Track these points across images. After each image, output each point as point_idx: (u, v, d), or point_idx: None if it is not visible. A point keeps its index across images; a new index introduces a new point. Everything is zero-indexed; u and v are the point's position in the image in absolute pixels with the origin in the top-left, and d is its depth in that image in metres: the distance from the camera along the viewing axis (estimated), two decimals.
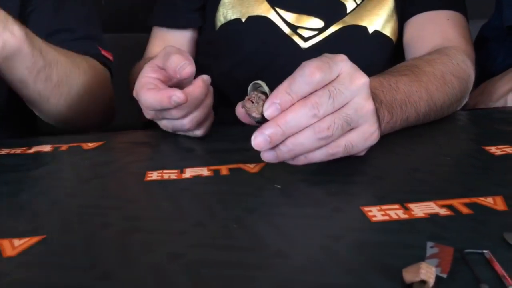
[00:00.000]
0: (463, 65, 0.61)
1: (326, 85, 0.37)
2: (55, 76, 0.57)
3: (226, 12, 0.75)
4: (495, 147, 0.47)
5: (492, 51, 0.85)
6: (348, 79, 0.38)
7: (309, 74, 0.36)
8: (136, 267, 0.29)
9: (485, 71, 0.77)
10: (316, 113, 0.36)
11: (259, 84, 0.39)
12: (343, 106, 0.38)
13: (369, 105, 0.39)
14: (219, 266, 0.28)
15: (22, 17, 0.67)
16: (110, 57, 0.76)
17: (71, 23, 0.72)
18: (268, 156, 0.39)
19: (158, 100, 0.47)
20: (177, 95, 0.46)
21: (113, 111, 0.75)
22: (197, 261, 0.29)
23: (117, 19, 1.16)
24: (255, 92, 0.39)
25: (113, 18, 1.17)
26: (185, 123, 0.50)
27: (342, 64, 0.38)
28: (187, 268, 0.28)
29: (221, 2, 0.75)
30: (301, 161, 0.40)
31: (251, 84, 0.40)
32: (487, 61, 0.82)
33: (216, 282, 0.27)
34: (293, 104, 0.37)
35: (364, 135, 0.40)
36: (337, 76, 0.38)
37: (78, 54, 0.68)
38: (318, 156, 0.39)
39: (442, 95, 0.56)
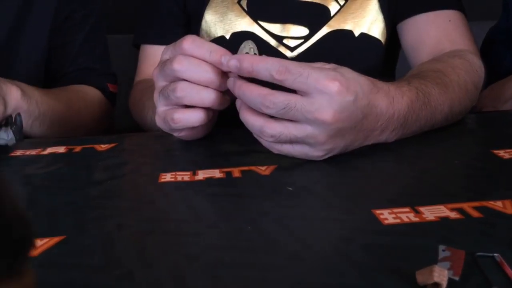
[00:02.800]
0: (480, 71, 0.62)
1: (294, 94, 0.40)
2: (48, 121, 0.66)
3: (209, 30, 0.73)
4: (503, 151, 0.47)
5: (500, 54, 0.85)
6: (314, 108, 0.40)
7: (280, 66, 0.40)
8: (155, 268, 0.29)
9: (493, 73, 0.77)
10: (265, 108, 0.40)
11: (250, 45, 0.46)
12: (295, 122, 0.41)
13: (321, 138, 0.41)
14: (235, 268, 0.29)
15: (48, 49, 0.80)
16: (115, 90, 0.87)
17: (89, 64, 0.83)
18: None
19: (211, 50, 0.44)
20: (230, 60, 0.43)
21: (110, 125, 0.87)
22: (214, 262, 0.30)
23: (122, 19, 1.17)
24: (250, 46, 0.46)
25: (119, 19, 1.18)
26: (176, 115, 0.47)
27: (321, 91, 0.39)
28: (205, 270, 0.29)
29: (203, 19, 0.74)
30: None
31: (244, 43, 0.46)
32: (495, 64, 0.82)
33: (233, 284, 0.28)
34: (253, 80, 0.42)
35: (304, 153, 0.44)
36: (309, 95, 0.40)
37: (79, 90, 0.79)
38: (262, 141, 0.45)
39: (460, 107, 0.56)
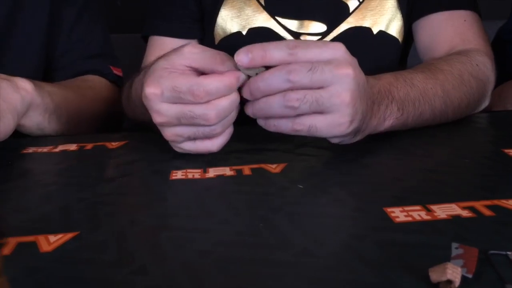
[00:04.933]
0: (482, 66, 0.62)
1: (313, 62, 0.40)
2: (65, 114, 0.63)
3: (225, 25, 0.73)
4: None
5: (510, 53, 0.85)
6: (334, 65, 0.40)
7: (289, 43, 0.40)
8: (169, 263, 0.30)
9: (503, 73, 0.77)
10: (291, 78, 0.39)
11: None
12: (320, 88, 0.40)
13: (345, 97, 0.40)
14: (247, 263, 0.29)
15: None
16: (120, 74, 0.82)
17: (85, 40, 0.78)
18: (247, 110, 0.43)
19: (226, 85, 0.41)
20: (241, 74, 0.41)
21: (121, 118, 0.79)
22: (226, 258, 0.30)
23: (132, 19, 1.17)
24: None
25: (129, 18, 1.19)
26: (215, 145, 0.45)
27: (333, 51, 0.40)
28: (217, 265, 0.29)
29: (219, 15, 0.73)
30: (271, 127, 0.43)
31: None
32: (505, 63, 0.81)
33: (245, 279, 0.28)
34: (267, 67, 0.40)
35: (330, 123, 0.41)
36: (327, 60, 0.40)
37: (84, 80, 0.75)
38: (284, 127, 0.42)
39: (459, 93, 0.56)
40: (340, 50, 0.41)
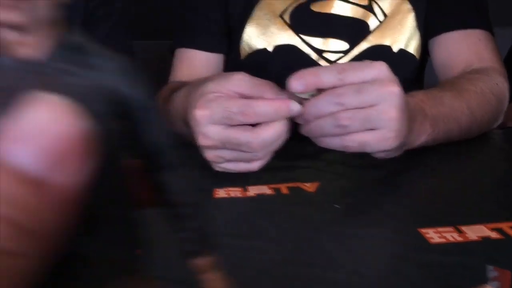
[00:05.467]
0: (501, 85, 0.65)
1: (359, 84, 0.43)
2: None
3: (251, 42, 0.75)
4: None
5: None
6: (379, 84, 0.43)
7: (338, 67, 0.43)
8: (234, 282, 0.33)
9: None
10: (340, 101, 0.43)
11: None
12: (369, 107, 0.43)
13: (392, 113, 0.44)
14: (302, 282, 0.32)
15: None
16: None
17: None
18: (301, 130, 0.46)
19: (276, 109, 0.44)
20: (295, 104, 0.44)
21: None
22: (281, 277, 0.33)
23: (149, 25, 1.20)
24: None
25: (146, 25, 1.22)
26: (256, 167, 0.47)
27: (378, 71, 0.44)
28: (277, 284, 0.32)
29: (245, 31, 0.75)
30: (323, 143, 0.46)
31: None
32: None
33: None
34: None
35: (379, 138, 0.44)
36: (372, 80, 0.43)
37: None
38: (335, 144, 0.45)
39: (481, 111, 0.60)
40: (383, 69, 0.44)
